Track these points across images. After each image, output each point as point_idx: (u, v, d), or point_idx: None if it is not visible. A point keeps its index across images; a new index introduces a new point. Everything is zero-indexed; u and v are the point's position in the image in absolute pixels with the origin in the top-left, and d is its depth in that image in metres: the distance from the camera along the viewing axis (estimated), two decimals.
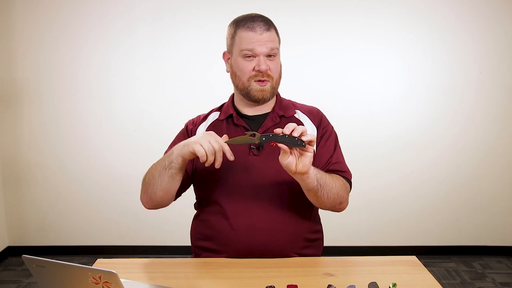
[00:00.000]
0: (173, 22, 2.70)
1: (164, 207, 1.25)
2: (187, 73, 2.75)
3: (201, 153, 1.02)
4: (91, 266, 0.89)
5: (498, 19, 2.66)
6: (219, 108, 1.34)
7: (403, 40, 2.70)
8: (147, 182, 1.18)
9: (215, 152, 1.03)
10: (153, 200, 1.19)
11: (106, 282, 0.75)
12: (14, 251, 2.89)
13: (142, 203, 1.24)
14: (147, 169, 1.20)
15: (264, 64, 1.17)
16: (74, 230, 2.89)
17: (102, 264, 1.16)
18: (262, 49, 1.17)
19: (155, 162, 1.17)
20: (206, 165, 1.05)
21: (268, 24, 1.20)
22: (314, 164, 1.15)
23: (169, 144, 1.31)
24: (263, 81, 1.19)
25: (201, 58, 2.71)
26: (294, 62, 2.67)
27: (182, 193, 1.29)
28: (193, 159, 1.25)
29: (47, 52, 2.73)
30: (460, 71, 2.71)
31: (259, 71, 1.17)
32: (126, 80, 2.76)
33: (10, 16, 2.70)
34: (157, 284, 1.01)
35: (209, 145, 1.03)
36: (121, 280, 0.75)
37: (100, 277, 0.75)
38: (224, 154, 1.05)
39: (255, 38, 1.17)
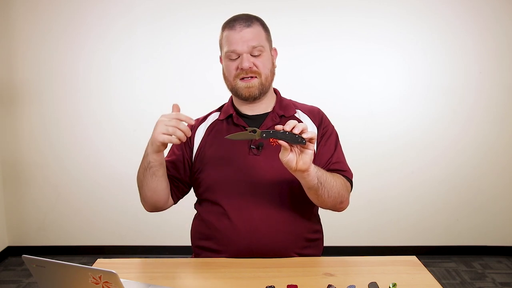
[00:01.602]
0: (173, 22, 2.70)
1: (162, 209, 1.27)
2: (187, 73, 2.75)
3: (169, 139, 1.05)
4: (91, 266, 0.89)
5: (498, 19, 2.66)
6: (219, 109, 1.35)
7: (403, 40, 2.70)
8: (138, 186, 1.22)
9: (177, 128, 1.04)
10: (146, 202, 1.23)
11: (106, 282, 0.75)
12: (14, 251, 2.89)
13: (144, 207, 1.27)
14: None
15: (246, 61, 1.16)
16: (74, 230, 2.89)
17: (102, 264, 1.16)
18: (243, 47, 1.16)
19: (139, 166, 1.20)
20: (181, 141, 1.06)
21: (249, 20, 1.19)
22: (315, 163, 1.15)
23: (168, 149, 1.33)
24: (248, 78, 1.19)
25: (201, 58, 2.71)
26: (294, 62, 2.67)
27: (181, 196, 1.32)
28: (189, 163, 1.27)
29: (47, 52, 2.73)
30: (460, 71, 2.71)
31: (242, 69, 1.17)
32: (126, 80, 2.76)
33: (10, 16, 2.70)
34: (157, 284, 1.01)
35: (167, 127, 1.04)
36: (121, 280, 0.75)
37: (100, 277, 0.75)
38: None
39: (235, 38, 1.17)
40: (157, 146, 1.08)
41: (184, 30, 2.71)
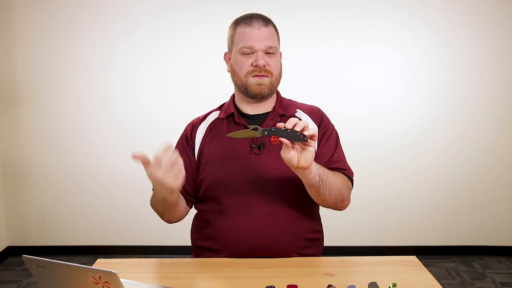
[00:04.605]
0: (173, 22, 2.70)
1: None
2: (187, 73, 2.75)
3: (182, 180, 1.00)
4: (91, 266, 0.89)
5: (498, 19, 2.66)
6: (219, 108, 1.34)
7: (403, 40, 2.70)
8: (158, 215, 1.23)
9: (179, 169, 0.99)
10: (172, 222, 1.26)
11: (106, 282, 0.75)
12: (14, 251, 2.89)
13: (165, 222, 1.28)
14: (149, 198, 1.21)
15: (262, 59, 1.17)
16: (74, 230, 2.89)
17: (102, 264, 1.16)
18: (260, 45, 1.17)
19: (152, 196, 1.18)
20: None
21: (266, 20, 1.20)
22: (316, 163, 1.15)
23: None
24: (261, 75, 1.19)
25: (201, 58, 2.71)
26: (294, 62, 2.67)
27: (195, 201, 1.31)
28: (194, 162, 1.26)
29: (47, 52, 2.73)
30: (460, 71, 2.71)
31: (257, 66, 1.18)
32: (126, 80, 2.76)
33: (10, 16, 2.70)
34: (157, 284, 1.01)
35: (173, 174, 0.98)
36: (121, 280, 0.75)
37: (100, 277, 0.75)
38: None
39: (252, 35, 1.17)
40: (168, 191, 1.04)
41: (184, 30, 2.71)
